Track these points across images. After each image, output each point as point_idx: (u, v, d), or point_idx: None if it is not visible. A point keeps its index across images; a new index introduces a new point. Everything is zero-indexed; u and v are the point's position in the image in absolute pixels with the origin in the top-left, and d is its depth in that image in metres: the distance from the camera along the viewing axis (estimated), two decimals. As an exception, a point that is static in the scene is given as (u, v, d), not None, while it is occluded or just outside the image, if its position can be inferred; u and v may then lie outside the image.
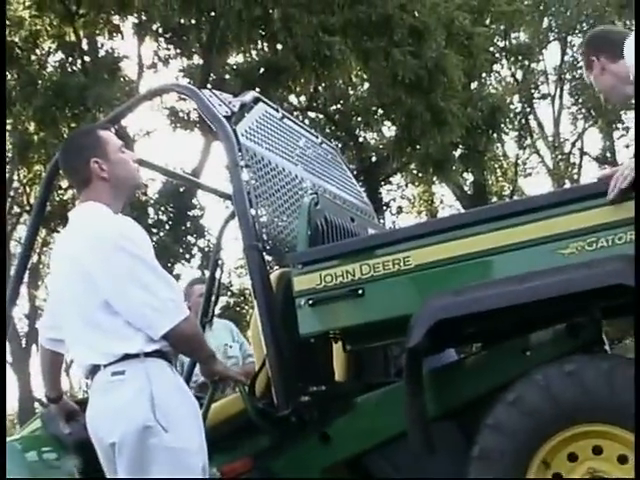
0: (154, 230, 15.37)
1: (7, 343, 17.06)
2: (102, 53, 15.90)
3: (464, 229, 3.36)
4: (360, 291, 3.45)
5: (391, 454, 3.73)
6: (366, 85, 17.38)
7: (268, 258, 4.10)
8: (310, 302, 3.51)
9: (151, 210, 15.99)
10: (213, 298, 4.82)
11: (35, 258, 19.50)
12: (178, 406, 2.88)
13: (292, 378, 3.60)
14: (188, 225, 16.06)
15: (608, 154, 31.90)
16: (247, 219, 3.72)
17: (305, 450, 3.84)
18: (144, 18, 14.90)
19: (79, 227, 3.03)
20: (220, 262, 4.89)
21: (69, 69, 15.29)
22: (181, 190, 15.50)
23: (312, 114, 19.14)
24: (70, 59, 15.63)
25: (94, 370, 2.91)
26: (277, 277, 3.92)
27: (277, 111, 4.50)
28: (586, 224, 3.15)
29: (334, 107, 18.36)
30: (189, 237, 16.25)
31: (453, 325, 3.33)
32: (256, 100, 4.36)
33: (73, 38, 15.16)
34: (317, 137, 4.92)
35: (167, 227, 15.81)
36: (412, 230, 3.70)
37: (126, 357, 2.84)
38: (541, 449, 3.12)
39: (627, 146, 31.52)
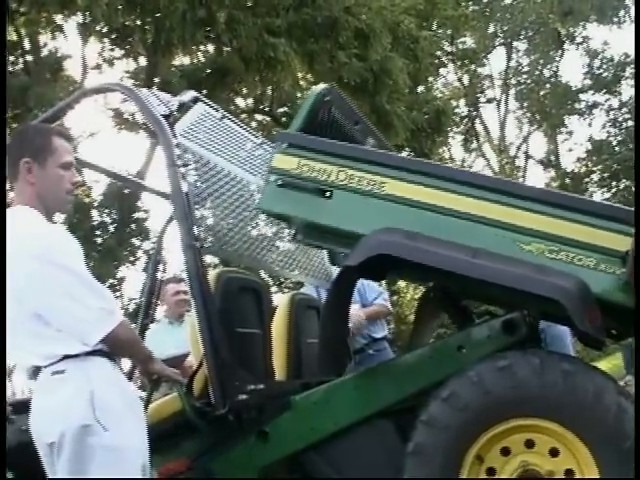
0: (98, 233, 15.22)
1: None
2: (45, 53, 15.71)
3: (448, 182, 3.39)
4: (328, 193, 3.50)
5: (329, 453, 3.74)
6: (313, 87, 17.39)
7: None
8: (279, 182, 3.56)
9: (95, 212, 15.83)
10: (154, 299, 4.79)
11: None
12: (119, 405, 2.84)
13: (229, 377, 3.59)
14: (133, 227, 15.92)
15: (552, 157, 32.41)
16: (185, 219, 3.70)
17: (243, 449, 3.82)
18: (88, 18, 14.74)
19: (6, 235, 2.93)
20: (162, 264, 4.85)
21: (10, 69, 15.06)
22: (125, 192, 15.36)
23: (259, 116, 19.12)
24: (11, 58, 15.39)
25: (36, 371, 2.87)
26: (215, 276, 3.91)
27: (217, 111, 4.48)
28: (557, 232, 3.19)
29: (281, 109, 18.34)
30: (134, 240, 16.12)
31: (394, 262, 3.36)
32: (195, 100, 4.32)
33: (15, 37, 14.95)
34: (257, 137, 4.91)
35: (111, 230, 15.66)
36: (399, 161, 3.69)
37: (66, 357, 2.81)
38: (475, 444, 3.17)
39: (570, 150, 32.14)
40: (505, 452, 3.19)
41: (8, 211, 3.05)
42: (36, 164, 2.99)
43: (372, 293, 6.18)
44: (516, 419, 3.15)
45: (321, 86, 3.94)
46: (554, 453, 3.14)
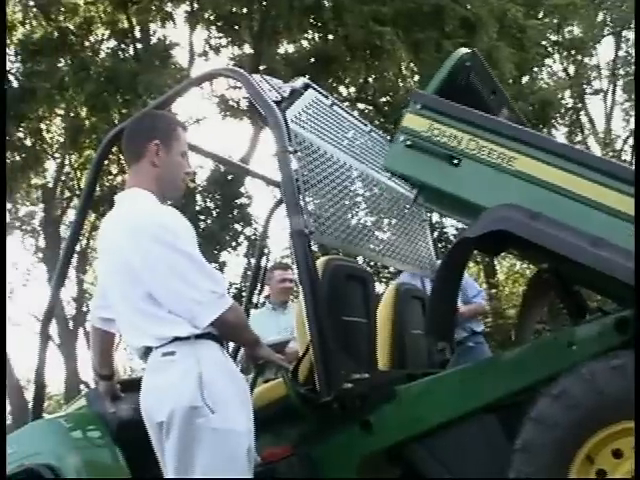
0: (201, 217, 15.47)
1: (55, 325, 17.33)
2: (154, 40, 16.07)
3: (581, 167, 3.28)
4: (456, 161, 3.46)
5: (432, 445, 3.70)
6: (416, 77, 17.28)
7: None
8: (407, 142, 3.54)
9: (199, 197, 16.11)
10: (258, 285, 4.84)
11: (84, 242, 19.73)
12: (227, 388, 2.88)
13: (335, 365, 3.57)
14: (235, 213, 16.12)
15: (661, 152, 31.39)
16: (295, 205, 3.69)
17: (346, 437, 3.80)
18: (196, 6, 15.00)
19: (122, 215, 3.04)
20: (266, 250, 4.89)
21: (121, 56, 15.46)
22: (229, 178, 15.57)
23: (361, 105, 19.06)
24: (123, 46, 15.81)
25: (147, 352, 2.95)
26: (323, 263, 3.91)
27: (327, 98, 4.48)
28: None
29: (384, 99, 18.24)
30: (236, 225, 16.30)
31: (512, 239, 3.31)
32: (306, 86, 4.33)
33: (126, 25, 15.35)
34: (366, 125, 4.89)
35: (214, 215, 15.90)
36: (533, 138, 3.57)
37: (177, 339, 2.87)
38: (585, 444, 3.06)
39: (681, 144, 31.06)
40: (617, 455, 3.06)
41: (124, 192, 3.15)
42: (164, 148, 3.08)
43: (472, 290, 6.19)
44: (629, 421, 3.00)
45: (463, 50, 3.87)
46: (670, 458, 3.02)
